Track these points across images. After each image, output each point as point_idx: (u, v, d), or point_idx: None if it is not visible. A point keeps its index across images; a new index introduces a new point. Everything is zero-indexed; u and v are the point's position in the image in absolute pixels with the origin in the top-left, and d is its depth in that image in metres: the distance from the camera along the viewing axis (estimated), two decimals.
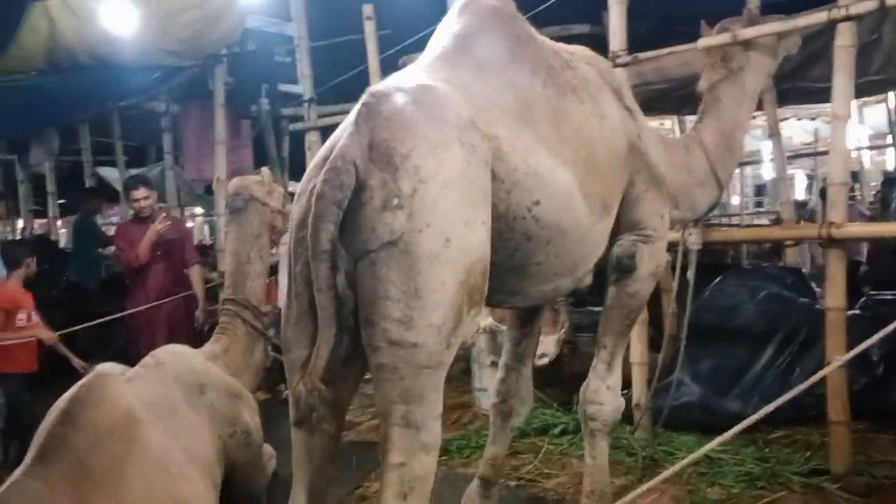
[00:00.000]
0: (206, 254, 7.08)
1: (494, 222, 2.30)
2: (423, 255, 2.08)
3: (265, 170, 4.07)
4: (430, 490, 2.18)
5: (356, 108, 2.24)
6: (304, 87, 6.47)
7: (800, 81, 5.42)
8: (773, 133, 5.42)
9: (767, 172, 11.22)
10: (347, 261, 2.14)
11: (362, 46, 5.65)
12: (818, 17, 3.60)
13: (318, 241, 2.09)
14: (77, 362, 4.79)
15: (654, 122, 9.24)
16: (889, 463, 3.61)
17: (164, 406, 3.32)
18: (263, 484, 3.52)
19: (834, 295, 3.50)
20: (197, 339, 4.19)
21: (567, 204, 2.51)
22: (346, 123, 2.27)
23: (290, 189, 5.54)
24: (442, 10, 3.00)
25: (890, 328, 2.15)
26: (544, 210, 2.42)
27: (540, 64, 2.66)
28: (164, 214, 5.69)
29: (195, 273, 5.66)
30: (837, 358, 2.88)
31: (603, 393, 3.01)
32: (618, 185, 2.80)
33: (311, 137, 6.21)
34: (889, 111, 9.25)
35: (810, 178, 13.69)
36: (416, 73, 2.47)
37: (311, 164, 2.36)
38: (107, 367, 3.21)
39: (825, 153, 7.44)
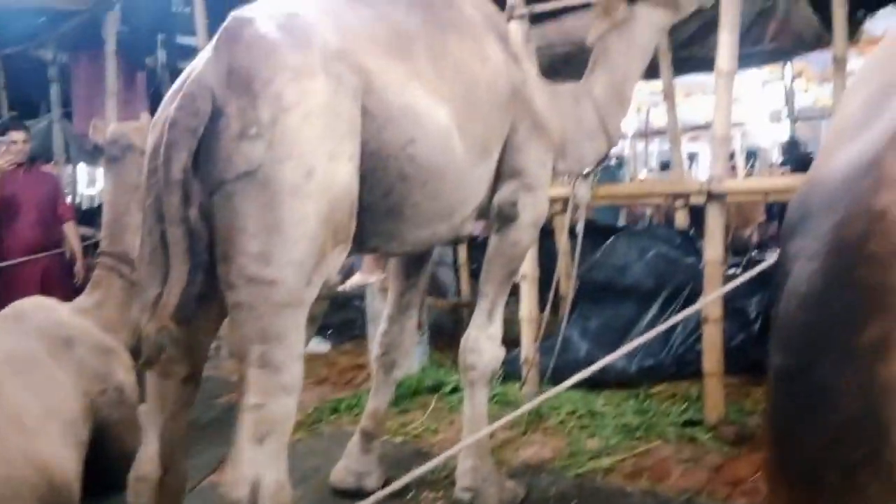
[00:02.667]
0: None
1: (367, 160, 2.23)
2: (284, 187, 1.99)
3: (145, 115, 3.87)
4: (288, 435, 2.10)
5: (217, 33, 2.12)
6: (199, 40, 6.18)
7: (698, 49, 5.53)
8: (667, 95, 5.50)
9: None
10: (202, 193, 2.03)
11: None
12: None
13: (169, 171, 1.98)
14: None
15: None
16: (760, 413, 3.73)
17: (23, 359, 3.13)
18: (139, 443, 3.39)
19: (712, 248, 3.57)
20: (77, 297, 3.97)
21: (444, 144, 2.44)
22: (207, 49, 2.15)
23: None
24: None
25: (746, 276, 2.18)
26: (420, 149, 2.35)
27: (418, 0, 2.59)
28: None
29: (70, 229, 5.41)
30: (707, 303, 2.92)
31: (482, 342, 2.98)
32: (499, 129, 2.75)
33: None
34: (785, 86, 9.60)
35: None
36: (285, 1, 2.35)
37: (169, 92, 2.23)
38: None
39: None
